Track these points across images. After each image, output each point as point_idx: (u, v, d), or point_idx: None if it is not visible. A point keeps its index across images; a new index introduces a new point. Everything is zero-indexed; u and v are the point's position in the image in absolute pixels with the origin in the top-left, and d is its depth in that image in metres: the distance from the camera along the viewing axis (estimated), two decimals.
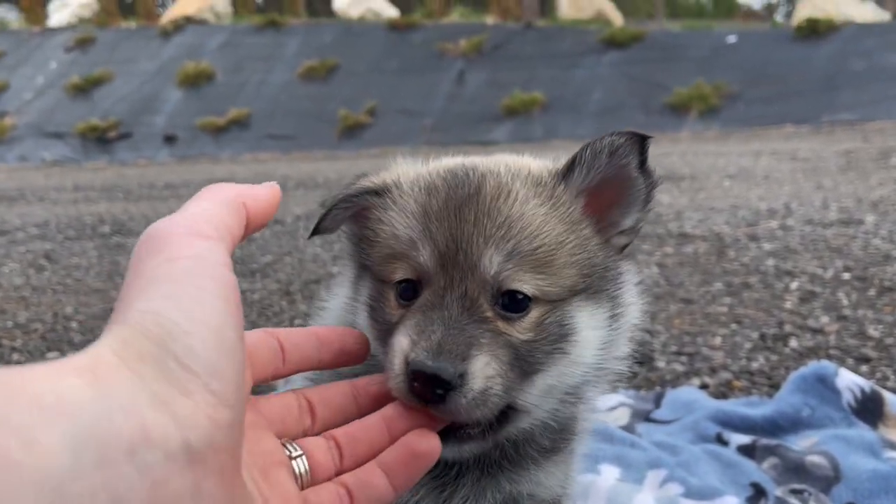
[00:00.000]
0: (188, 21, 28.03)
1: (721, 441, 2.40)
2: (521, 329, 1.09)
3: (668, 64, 21.83)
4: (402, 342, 1.04)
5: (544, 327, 1.11)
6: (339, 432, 1.00)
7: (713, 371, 3.22)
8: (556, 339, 1.12)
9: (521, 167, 1.22)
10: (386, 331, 1.13)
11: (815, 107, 18.82)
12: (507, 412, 1.10)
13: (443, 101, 22.17)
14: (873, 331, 3.60)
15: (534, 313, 1.11)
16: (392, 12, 28.91)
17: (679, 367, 3.28)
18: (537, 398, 1.12)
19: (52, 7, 31.68)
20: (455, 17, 28.35)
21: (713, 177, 10.51)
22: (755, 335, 3.65)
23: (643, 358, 3.40)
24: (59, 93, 25.40)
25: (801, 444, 2.33)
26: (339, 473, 0.96)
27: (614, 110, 20.18)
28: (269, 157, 20.21)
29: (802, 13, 23.65)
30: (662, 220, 7.23)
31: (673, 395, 2.76)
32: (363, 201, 1.25)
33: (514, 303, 1.10)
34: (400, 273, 1.15)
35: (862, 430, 2.34)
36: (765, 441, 2.31)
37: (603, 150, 1.17)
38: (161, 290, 0.71)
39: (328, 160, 18.10)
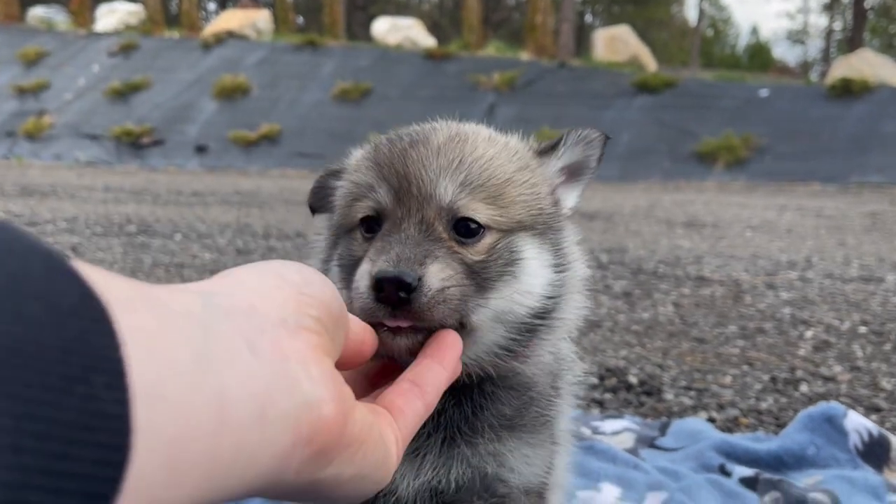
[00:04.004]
0: (229, 35, 28.68)
1: (724, 472, 2.39)
2: (474, 252, 1.19)
3: (698, 112, 21.92)
4: (364, 266, 1.13)
5: (495, 251, 1.21)
6: None
7: (721, 407, 3.22)
8: (507, 263, 1.21)
9: (479, 128, 1.38)
10: (353, 271, 1.20)
11: (843, 166, 18.76)
12: (461, 330, 1.16)
13: None
14: (886, 383, 3.58)
15: (486, 239, 1.21)
16: (429, 42, 29.36)
17: (687, 401, 3.28)
18: (490, 319, 1.19)
19: (99, 12, 32.56)
20: (491, 50, 28.73)
21: (735, 226, 10.51)
22: (766, 377, 3.64)
23: (651, 389, 3.41)
24: (98, 96, 25.99)
25: (804, 481, 2.32)
26: None
27: (641, 154, 20.25)
28: (297, 174, 20.47)
29: (837, 73, 23.67)
30: (681, 262, 7.24)
31: (679, 425, 2.76)
32: (330, 182, 1.44)
33: (467, 230, 1.20)
34: (362, 212, 1.26)
35: (867, 473, 2.33)
36: (768, 475, 2.31)
37: (583, 139, 1.39)
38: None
39: None
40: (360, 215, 1.26)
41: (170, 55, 27.92)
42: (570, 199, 1.43)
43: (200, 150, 23.27)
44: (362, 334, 1.00)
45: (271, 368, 0.70)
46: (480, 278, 1.17)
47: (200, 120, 24.54)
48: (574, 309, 1.34)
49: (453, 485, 1.28)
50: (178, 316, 0.64)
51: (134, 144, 23.64)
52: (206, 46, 28.11)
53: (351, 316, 0.97)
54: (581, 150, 1.40)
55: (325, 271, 1.34)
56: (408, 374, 1.02)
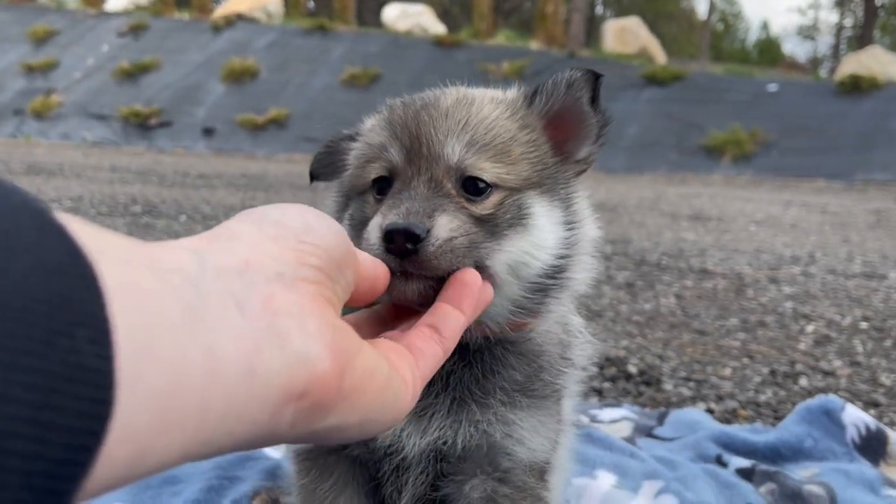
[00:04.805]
0: (239, 18, 28.59)
1: (720, 462, 2.41)
2: (483, 208, 1.22)
3: (706, 106, 21.82)
4: (375, 220, 1.17)
5: (504, 207, 1.24)
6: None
7: (720, 398, 3.24)
8: (515, 217, 1.24)
9: (485, 91, 1.41)
10: (364, 230, 1.22)
11: (850, 163, 18.68)
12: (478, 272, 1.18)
13: None
14: (885, 379, 3.59)
15: (493, 197, 1.24)
16: (440, 29, 29.22)
17: (686, 392, 3.30)
18: (505, 269, 1.21)
19: None
20: (501, 39, 28.59)
21: (740, 220, 10.49)
22: (766, 370, 3.65)
23: (650, 379, 3.43)
24: (106, 76, 25.96)
25: (800, 473, 2.34)
26: None
27: (648, 146, 20.19)
28: (304, 158, 20.42)
29: (846, 69, 23.52)
30: (685, 255, 7.24)
31: (677, 415, 2.78)
32: (342, 146, 1.46)
33: (475, 188, 1.24)
34: (374, 173, 1.30)
35: (863, 466, 2.34)
36: (764, 466, 2.32)
37: (562, 83, 1.34)
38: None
39: None
40: (372, 176, 1.29)
41: (179, 36, 27.86)
42: (581, 150, 1.39)
43: (208, 132, 23.27)
44: (374, 270, 1.02)
45: (260, 325, 0.71)
46: (491, 226, 1.20)
47: (209, 102, 24.52)
48: (584, 270, 1.35)
49: (459, 447, 1.30)
50: (170, 272, 0.66)
51: (141, 125, 23.64)
52: (216, 28, 28.03)
53: (362, 252, 0.99)
54: (563, 94, 1.34)
55: None
56: (426, 318, 1.04)
